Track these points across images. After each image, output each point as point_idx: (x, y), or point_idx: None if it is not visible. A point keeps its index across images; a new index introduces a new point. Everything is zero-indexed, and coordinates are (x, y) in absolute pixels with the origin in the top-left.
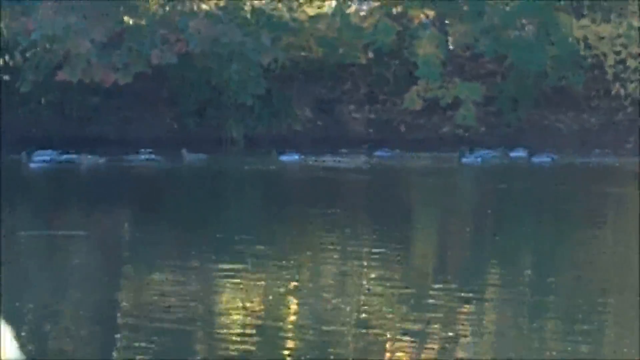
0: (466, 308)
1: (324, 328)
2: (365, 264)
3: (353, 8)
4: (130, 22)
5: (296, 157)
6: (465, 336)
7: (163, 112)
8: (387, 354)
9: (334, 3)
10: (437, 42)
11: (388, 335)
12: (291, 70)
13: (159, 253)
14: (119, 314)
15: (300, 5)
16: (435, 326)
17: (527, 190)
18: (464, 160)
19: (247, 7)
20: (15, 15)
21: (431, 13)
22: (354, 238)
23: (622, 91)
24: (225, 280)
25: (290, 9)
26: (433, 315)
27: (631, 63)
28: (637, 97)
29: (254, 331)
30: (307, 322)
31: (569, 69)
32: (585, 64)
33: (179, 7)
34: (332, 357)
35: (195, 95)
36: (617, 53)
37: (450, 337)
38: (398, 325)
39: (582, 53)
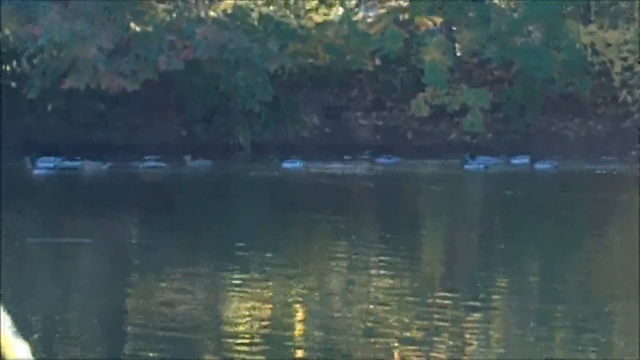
0: (473, 316)
1: (332, 336)
2: (371, 272)
3: (360, 15)
4: (137, 28)
5: (298, 164)
6: (472, 345)
7: (171, 119)
8: None
9: (341, 10)
10: (444, 49)
11: (395, 344)
12: (298, 77)
13: (164, 260)
14: (126, 322)
15: (308, 12)
16: (442, 335)
17: (531, 197)
18: (466, 167)
19: (255, 14)
20: (22, 21)
21: (438, 20)
22: (359, 245)
23: (629, 98)
24: (232, 288)
25: (297, 16)
26: (440, 323)
27: (638, 70)
28: None
29: (260, 339)
30: (314, 330)
31: (576, 76)
32: (593, 70)
33: (186, 14)
34: None
35: (203, 102)
36: (624, 60)
37: (457, 345)
38: (405, 334)
39: (589, 59)
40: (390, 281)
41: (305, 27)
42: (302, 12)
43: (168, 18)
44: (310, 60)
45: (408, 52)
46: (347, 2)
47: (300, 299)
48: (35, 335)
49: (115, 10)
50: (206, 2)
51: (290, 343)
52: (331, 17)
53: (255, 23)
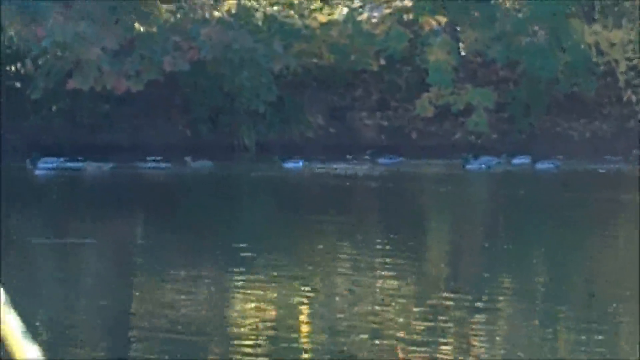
0: (477, 318)
1: (336, 338)
2: (375, 273)
3: (365, 15)
4: (142, 29)
5: (299, 164)
6: (477, 346)
7: (175, 120)
8: None
9: (345, 10)
10: (449, 49)
11: (400, 346)
12: (303, 77)
13: (166, 262)
14: (130, 323)
15: (312, 12)
16: (447, 336)
17: (533, 197)
18: (467, 167)
19: (259, 14)
20: (25, 22)
21: (443, 20)
22: (363, 247)
23: (633, 98)
24: (236, 290)
25: (302, 16)
26: (444, 325)
27: None
28: None
29: (265, 341)
30: (318, 331)
31: (580, 76)
32: (597, 70)
33: (190, 15)
34: None
35: (208, 102)
36: (629, 59)
37: (461, 347)
38: (409, 335)
39: (594, 59)
40: (395, 282)
41: (310, 27)
42: (306, 12)
43: (172, 19)
44: (314, 60)
45: (412, 52)
46: (351, 2)
47: (304, 300)
48: (38, 336)
49: (120, 11)
50: (211, 2)
51: (295, 344)
52: (336, 17)
53: (260, 23)
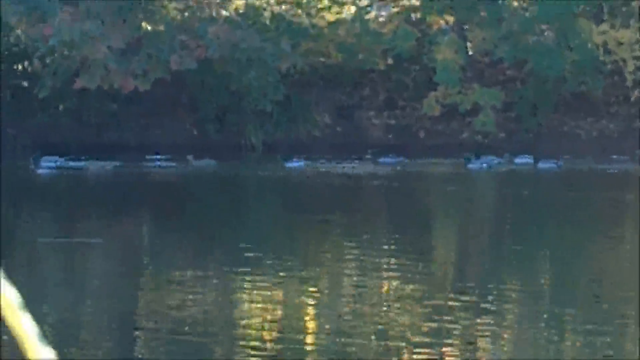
0: (483, 319)
1: (342, 339)
2: (381, 273)
3: (372, 14)
4: (149, 28)
5: (301, 164)
6: (483, 347)
7: (182, 119)
8: None
9: (353, 9)
10: (456, 48)
11: (406, 347)
12: (310, 76)
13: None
14: (136, 324)
15: (320, 11)
16: (453, 337)
17: (536, 196)
18: (470, 166)
19: (267, 13)
20: (33, 21)
21: (450, 19)
22: (368, 247)
23: None
24: (242, 290)
25: (309, 15)
26: (450, 326)
27: None
28: None
29: (271, 342)
30: (325, 332)
31: (588, 75)
32: (605, 69)
33: (198, 13)
34: None
35: (215, 101)
36: (637, 59)
37: (467, 348)
38: (415, 336)
39: (601, 58)
40: (400, 283)
41: (317, 26)
42: (314, 11)
43: (180, 17)
44: (322, 59)
45: (420, 51)
46: (358, 1)
47: (310, 301)
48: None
49: (127, 9)
50: (218, 1)
51: (301, 345)
52: (343, 16)
53: (268, 22)
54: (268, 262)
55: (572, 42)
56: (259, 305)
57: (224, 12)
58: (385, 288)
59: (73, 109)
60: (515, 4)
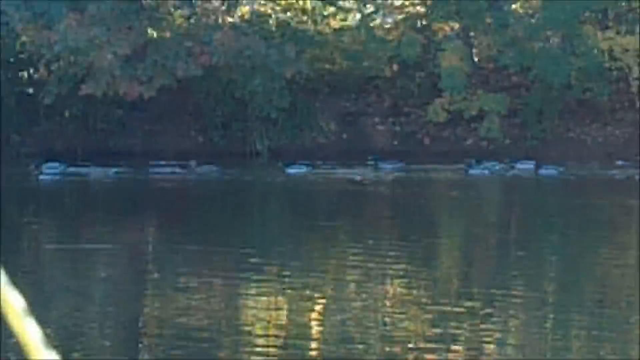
0: (488, 325)
1: (347, 345)
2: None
3: (378, 21)
4: (154, 35)
5: (303, 169)
6: (488, 353)
7: (188, 126)
8: None
9: (358, 16)
10: (462, 55)
11: (411, 353)
12: (315, 83)
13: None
14: (141, 330)
15: (325, 18)
16: (459, 343)
17: (539, 202)
18: (470, 172)
19: (272, 20)
20: (38, 27)
21: (456, 25)
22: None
23: None
24: (246, 296)
25: (315, 22)
26: (455, 331)
27: None
28: None
29: (276, 348)
30: (330, 338)
31: (593, 81)
32: (610, 76)
33: (203, 20)
34: None
35: (221, 108)
36: None
37: (473, 354)
38: (421, 342)
39: (607, 65)
40: (405, 289)
41: (323, 33)
42: (319, 18)
43: (185, 24)
44: (327, 66)
45: (425, 58)
46: (364, 8)
47: (315, 307)
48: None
49: (132, 16)
50: (223, 8)
51: (306, 351)
52: (348, 23)
53: (273, 29)
54: (273, 268)
55: (577, 48)
56: (263, 311)
57: (229, 19)
58: (390, 294)
59: (79, 115)
60: (521, 10)
